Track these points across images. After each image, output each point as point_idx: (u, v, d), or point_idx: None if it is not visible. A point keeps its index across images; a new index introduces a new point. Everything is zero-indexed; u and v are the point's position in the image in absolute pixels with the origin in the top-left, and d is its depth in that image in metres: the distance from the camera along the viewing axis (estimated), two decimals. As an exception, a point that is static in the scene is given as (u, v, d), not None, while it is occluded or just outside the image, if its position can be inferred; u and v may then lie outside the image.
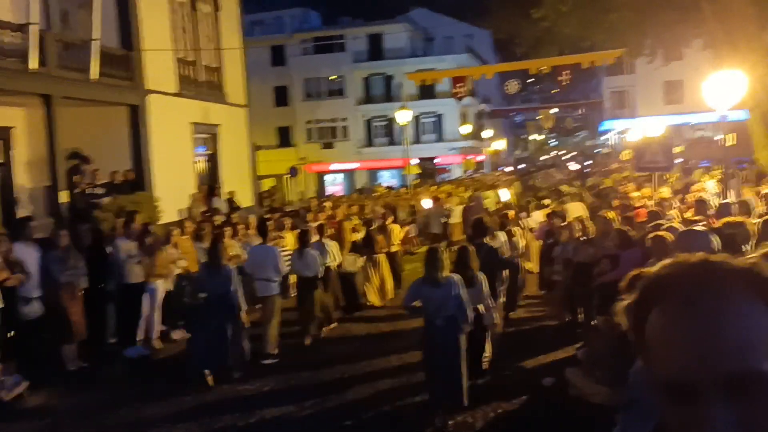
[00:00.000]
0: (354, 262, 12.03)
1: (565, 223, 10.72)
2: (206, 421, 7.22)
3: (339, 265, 11.54)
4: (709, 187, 16.02)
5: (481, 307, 7.32)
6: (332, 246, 11.21)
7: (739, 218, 7.25)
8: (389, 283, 12.85)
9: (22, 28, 12.42)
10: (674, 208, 12.06)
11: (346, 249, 12.16)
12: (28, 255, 8.77)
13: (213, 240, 9.65)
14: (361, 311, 12.09)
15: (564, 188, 23.23)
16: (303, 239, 10.35)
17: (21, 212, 13.85)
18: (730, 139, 15.42)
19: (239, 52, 21.40)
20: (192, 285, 9.80)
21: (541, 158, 73.28)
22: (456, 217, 17.52)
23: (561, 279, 9.94)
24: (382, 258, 12.73)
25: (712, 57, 18.49)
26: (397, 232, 14.05)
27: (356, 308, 12.08)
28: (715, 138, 36.20)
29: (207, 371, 8.14)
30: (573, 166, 49.33)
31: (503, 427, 6.83)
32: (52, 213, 13.67)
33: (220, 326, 8.30)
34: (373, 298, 12.52)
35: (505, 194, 21.27)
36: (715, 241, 3.36)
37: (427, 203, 18.25)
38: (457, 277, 6.73)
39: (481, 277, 7.39)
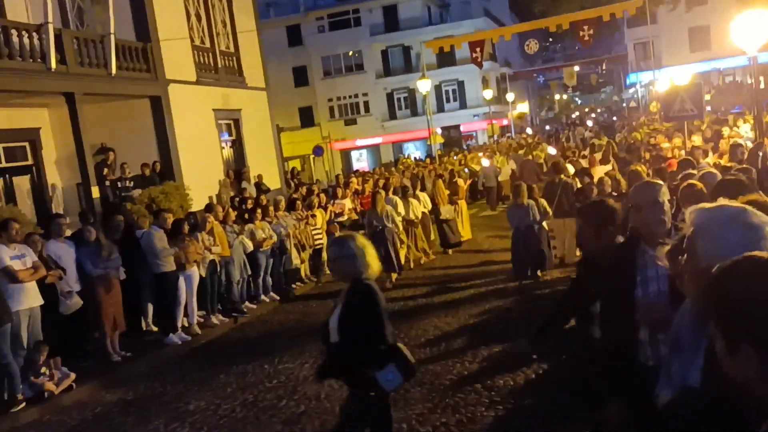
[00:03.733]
0: (450, 211, 15.03)
1: (595, 180, 10.56)
2: (250, 401, 7.33)
3: (438, 213, 14.91)
4: (742, 132, 15.63)
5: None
6: (396, 199, 13.87)
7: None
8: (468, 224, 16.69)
9: (40, 29, 12.52)
10: (707, 156, 11.80)
11: (444, 202, 15.06)
12: (62, 251, 8.93)
13: (373, 195, 13.22)
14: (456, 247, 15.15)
15: (596, 142, 23.05)
16: (405, 192, 14.34)
17: (55, 210, 14.11)
18: (760, 83, 14.97)
19: (255, 36, 21.34)
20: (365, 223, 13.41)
21: (572, 116, 72.34)
22: (505, 175, 22.01)
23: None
24: (462, 204, 16.41)
25: (737, -1, 17.90)
26: (464, 186, 17.98)
27: (452, 246, 15.02)
28: (747, 82, 35.22)
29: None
30: (590, 123, 48.67)
31: (535, 392, 6.80)
32: (85, 209, 13.90)
33: (383, 246, 11.70)
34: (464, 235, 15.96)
35: (553, 151, 25.54)
36: (665, 195, 3.31)
37: (485, 161, 22.97)
38: (532, 202, 11.06)
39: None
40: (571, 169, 13.96)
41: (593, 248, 4.12)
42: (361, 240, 4.30)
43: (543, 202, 11.35)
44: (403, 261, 13.29)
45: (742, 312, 1.38)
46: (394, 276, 12.58)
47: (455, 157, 30.02)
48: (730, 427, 1.58)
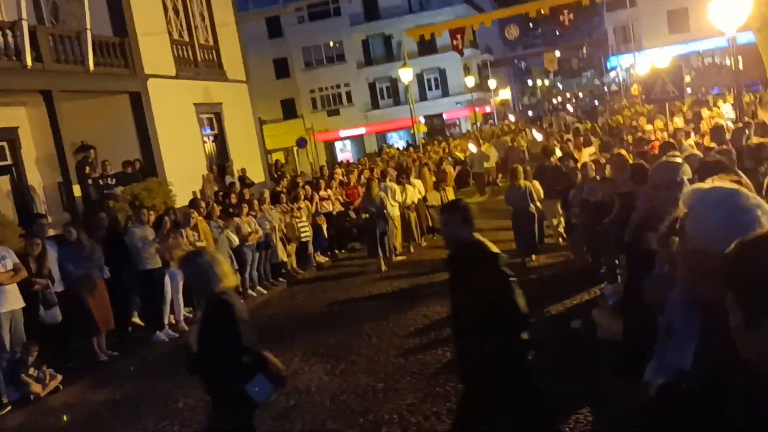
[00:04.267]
0: (437, 198, 15.48)
1: (579, 164, 10.59)
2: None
3: (425, 199, 15.39)
4: (724, 112, 15.74)
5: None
6: (394, 186, 14.23)
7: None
8: None
9: (14, 26, 12.30)
10: (689, 137, 11.86)
11: (430, 189, 15.68)
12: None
13: (368, 181, 13.93)
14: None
15: (580, 126, 23.21)
16: (400, 180, 14.66)
17: (37, 211, 13.94)
18: (739, 63, 15.04)
19: (234, 28, 21.13)
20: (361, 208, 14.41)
21: (554, 101, 72.54)
22: (492, 162, 22.34)
23: (579, 221, 9.84)
24: (449, 190, 16.68)
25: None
26: (452, 173, 18.31)
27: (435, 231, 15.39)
28: (726, 63, 35.48)
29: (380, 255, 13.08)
30: (570, 108, 48.90)
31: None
32: (68, 208, 13.74)
33: (378, 231, 13.01)
34: None
35: (539, 136, 26.26)
36: (686, 173, 3.35)
37: (473, 147, 23.38)
38: (529, 184, 11.36)
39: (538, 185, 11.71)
40: (559, 153, 14.11)
41: (460, 241, 4.27)
42: (210, 254, 4.31)
43: (536, 183, 11.62)
44: (399, 249, 13.90)
45: (764, 285, 1.36)
46: (395, 258, 13.34)
47: (438, 146, 30.04)
48: (724, 411, 1.56)
